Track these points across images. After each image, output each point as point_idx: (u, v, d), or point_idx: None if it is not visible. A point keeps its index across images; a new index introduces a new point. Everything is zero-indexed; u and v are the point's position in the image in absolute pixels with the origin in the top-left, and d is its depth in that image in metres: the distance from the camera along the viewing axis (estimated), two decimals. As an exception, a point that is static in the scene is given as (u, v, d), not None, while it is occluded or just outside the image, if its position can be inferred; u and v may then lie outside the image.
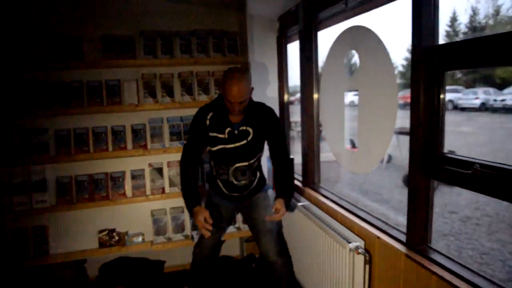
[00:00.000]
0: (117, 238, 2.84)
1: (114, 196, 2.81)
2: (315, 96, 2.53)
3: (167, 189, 2.90)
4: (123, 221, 2.93)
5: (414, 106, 1.54)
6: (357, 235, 1.91)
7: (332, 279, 2.03)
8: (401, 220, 1.70)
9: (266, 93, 3.07)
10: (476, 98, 13.17)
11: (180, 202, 2.68)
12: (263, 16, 2.96)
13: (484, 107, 12.71)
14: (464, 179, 1.35)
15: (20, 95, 2.58)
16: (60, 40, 2.62)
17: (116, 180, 2.82)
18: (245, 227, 2.89)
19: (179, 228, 2.94)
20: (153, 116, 2.87)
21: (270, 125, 2.14)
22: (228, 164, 2.16)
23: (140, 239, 2.89)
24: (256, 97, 2.81)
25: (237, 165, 2.15)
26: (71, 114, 2.69)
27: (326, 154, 2.74)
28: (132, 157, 2.84)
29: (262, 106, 2.17)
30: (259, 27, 2.98)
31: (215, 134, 2.10)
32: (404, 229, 1.68)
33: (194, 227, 2.91)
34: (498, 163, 1.28)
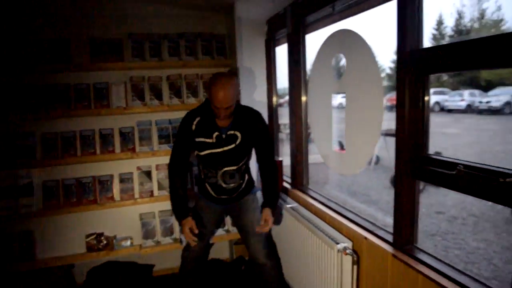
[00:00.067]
0: (105, 242, 2.81)
1: (102, 199, 2.78)
2: (304, 98, 2.55)
3: (155, 192, 2.88)
4: (111, 225, 2.90)
5: (399, 108, 1.57)
6: (345, 236, 1.94)
7: (320, 280, 2.04)
8: (389, 220, 1.73)
9: (254, 95, 3.08)
10: (462, 100, 13.41)
11: (168, 205, 2.64)
12: (252, 19, 2.97)
13: (470, 109, 12.94)
14: (448, 180, 1.38)
15: (6, 98, 2.54)
16: (48, 43, 2.59)
17: (104, 183, 2.80)
18: (234, 230, 2.89)
19: (168, 231, 2.92)
20: (141, 119, 2.85)
21: (257, 129, 2.14)
22: (217, 168, 2.16)
23: (128, 243, 2.87)
24: (245, 99, 2.83)
25: (226, 169, 2.15)
26: (58, 117, 2.66)
27: (315, 156, 2.76)
28: (120, 160, 2.82)
29: (249, 110, 2.17)
30: (247, 30, 2.99)
31: (202, 139, 2.10)
32: (391, 230, 1.71)
33: (183, 230, 2.90)
34: (480, 163, 1.31)
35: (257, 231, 2.16)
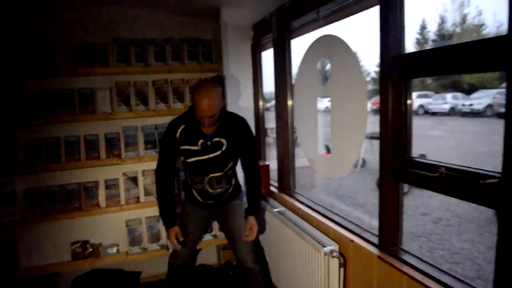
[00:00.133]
0: (91, 249, 2.77)
1: (87, 206, 2.74)
2: (290, 102, 2.57)
3: (142, 198, 2.86)
4: (97, 232, 2.87)
5: (382, 112, 1.60)
6: (332, 239, 1.95)
7: (308, 283, 2.05)
8: (375, 223, 1.75)
9: (241, 100, 3.09)
10: (446, 103, 13.67)
11: (155, 211, 2.65)
12: (238, 24, 2.99)
13: (453, 112, 13.20)
14: (431, 182, 1.41)
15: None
16: (32, 48, 2.55)
17: (89, 190, 2.76)
18: (221, 235, 2.88)
19: (155, 237, 2.90)
20: (127, 125, 2.83)
21: (243, 136, 2.14)
22: (203, 174, 2.16)
23: (114, 250, 2.83)
24: (231, 104, 2.84)
25: (212, 175, 2.16)
26: (42, 123, 2.62)
27: (302, 160, 2.78)
28: (105, 167, 2.79)
29: (234, 117, 2.17)
30: (233, 35, 3.01)
31: (187, 147, 2.10)
32: (377, 232, 1.73)
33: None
34: (461, 166, 1.34)
35: (244, 240, 2.18)
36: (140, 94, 2.82)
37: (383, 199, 1.65)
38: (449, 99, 13.73)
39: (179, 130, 2.10)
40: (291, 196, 2.60)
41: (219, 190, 2.20)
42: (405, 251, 1.63)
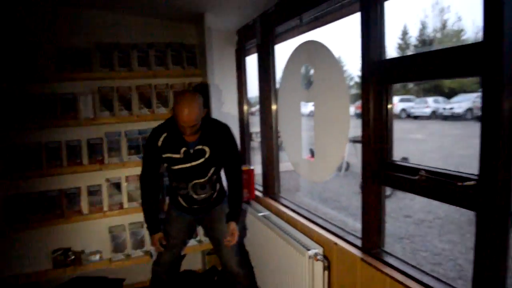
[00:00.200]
0: (73, 257, 2.71)
1: (69, 213, 2.69)
2: (274, 107, 2.59)
3: (125, 205, 2.82)
4: (79, 240, 2.81)
5: (364, 116, 1.63)
6: (316, 242, 1.97)
7: (293, 287, 2.06)
8: (359, 226, 1.78)
9: (225, 104, 3.10)
10: (427, 107, 13.98)
11: (139, 217, 2.62)
12: (222, 29, 3.00)
13: (434, 115, 13.51)
14: (411, 185, 1.45)
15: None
16: (13, 52, 2.50)
17: (71, 196, 2.71)
18: (206, 240, 2.86)
19: (139, 244, 2.86)
20: (110, 130, 2.80)
21: (225, 143, 2.14)
22: (187, 180, 2.16)
23: (97, 257, 2.78)
24: (216, 109, 2.84)
25: (196, 181, 2.16)
26: (22, 128, 2.56)
27: (286, 164, 2.80)
28: (88, 173, 2.75)
29: (217, 124, 2.17)
30: (218, 40, 3.01)
31: (169, 155, 2.09)
32: (360, 235, 1.75)
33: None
34: (440, 168, 1.38)
35: (225, 244, 2.18)
36: (124, 99, 2.80)
37: (366, 202, 1.68)
38: (431, 103, 14.06)
39: (161, 139, 2.09)
40: (275, 200, 2.61)
41: (203, 196, 2.20)
42: (388, 253, 1.65)
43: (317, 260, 1.85)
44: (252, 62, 2.96)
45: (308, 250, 1.88)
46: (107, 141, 2.78)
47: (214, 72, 2.92)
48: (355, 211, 5.21)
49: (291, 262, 2.05)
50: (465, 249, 3.96)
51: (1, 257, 2.62)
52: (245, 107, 3.16)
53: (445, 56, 1.27)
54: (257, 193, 2.85)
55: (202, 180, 2.16)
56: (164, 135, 2.09)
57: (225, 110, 3.08)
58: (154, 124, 2.18)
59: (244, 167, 2.79)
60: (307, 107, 2.25)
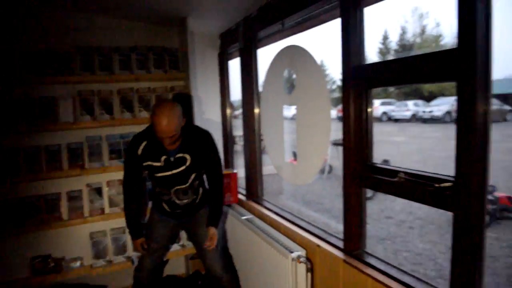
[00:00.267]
0: (52, 264, 2.66)
1: (49, 219, 2.63)
2: (256, 111, 2.60)
3: (107, 210, 2.78)
4: (60, 246, 2.75)
5: (345, 120, 1.66)
6: (299, 244, 1.98)
7: (277, 290, 2.07)
8: (341, 228, 1.80)
9: (208, 108, 3.10)
10: (407, 110, 14.26)
11: (121, 222, 2.59)
12: (205, 33, 3.00)
13: (414, 118, 13.79)
14: (391, 187, 1.48)
15: None
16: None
17: (51, 202, 2.66)
18: (189, 244, 2.85)
19: (121, 249, 2.82)
20: (91, 134, 2.76)
21: (206, 150, 2.13)
22: (169, 187, 2.16)
23: (78, 264, 2.73)
24: (198, 112, 2.84)
25: (177, 187, 2.15)
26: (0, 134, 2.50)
27: (269, 167, 2.82)
28: (68, 178, 2.70)
29: (198, 131, 2.15)
30: (200, 44, 3.01)
31: (149, 163, 2.08)
32: (342, 236, 1.78)
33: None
34: (418, 170, 1.41)
35: (205, 248, 2.18)
36: (105, 103, 2.76)
37: (347, 204, 1.71)
38: (411, 106, 14.34)
39: (141, 147, 2.07)
40: (259, 203, 2.62)
41: (185, 201, 2.20)
42: (370, 254, 1.68)
43: (300, 262, 1.86)
44: (235, 65, 2.98)
45: (291, 252, 1.89)
46: (88, 145, 2.74)
47: (196, 76, 2.92)
48: (338, 213, 5.26)
49: (274, 265, 2.05)
50: (445, 249, 4.05)
51: (-23, 266, 2.54)
52: (228, 111, 3.16)
53: (423, 61, 1.31)
54: (240, 196, 2.85)
55: (183, 186, 2.16)
56: (144, 143, 2.07)
57: (208, 113, 3.08)
58: (136, 128, 2.16)
59: (227, 171, 2.80)
60: (290, 110, 2.27)
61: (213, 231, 2.16)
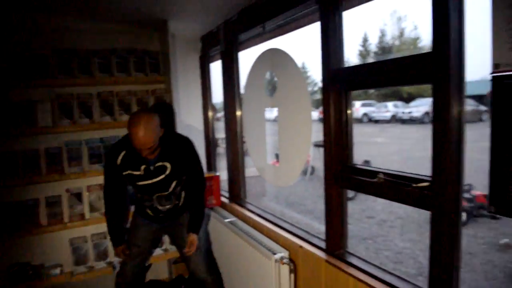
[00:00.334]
0: (31, 272, 2.59)
1: (27, 226, 2.57)
2: (238, 113, 2.61)
3: (87, 215, 2.73)
4: (38, 253, 2.69)
5: (325, 122, 1.68)
6: (282, 246, 2.00)
7: (261, 292, 2.08)
8: (323, 228, 1.83)
9: (190, 111, 3.08)
10: (387, 111, 14.54)
11: (102, 227, 2.55)
12: (186, 36, 2.99)
13: (394, 119, 14.07)
14: (371, 187, 1.51)
15: None
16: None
17: (29, 208, 2.59)
18: (172, 248, 2.83)
19: (102, 255, 2.77)
20: (70, 139, 2.70)
21: (186, 158, 2.12)
22: (151, 194, 2.15)
23: (58, 271, 2.67)
24: (181, 116, 2.82)
25: (159, 194, 2.14)
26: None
27: (252, 169, 2.83)
28: (47, 183, 2.64)
29: (178, 139, 2.13)
30: (181, 47, 3.00)
31: (129, 172, 2.06)
32: (324, 237, 1.80)
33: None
34: (397, 171, 1.45)
35: (185, 252, 2.17)
36: (84, 107, 2.71)
37: (329, 205, 1.73)
38: (391, 107, 14.64)
39: (120, 157, 2.04)
40: (242, 206, 2.62)
41: (168, 206, 2.19)
42: (351, 254, 1.71)
43: (283, 263, 1.87)
44: (216, 68, 2.98)
45: (274, 254, 1.90)
46: (67, 149, 2.68)
47: (178, 79, 2.90)
48: (320, 214, 5.30)
49: (258, 267, 2.06)
50: (425, 247, 4.14)
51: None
52: (210, 113, 3.16)
53: (399, 65, 1.34)
54: (223, 199, 2.85)
55: (165, 193, 2.15)
56: (123, 153, 2.04)
57: (190, 116, 3.06)
58: (117, 132, 2.13)
59: (209, 174, 2.79)
60: (272, 113, 2.29)
61: (192, 237, 2.15)
